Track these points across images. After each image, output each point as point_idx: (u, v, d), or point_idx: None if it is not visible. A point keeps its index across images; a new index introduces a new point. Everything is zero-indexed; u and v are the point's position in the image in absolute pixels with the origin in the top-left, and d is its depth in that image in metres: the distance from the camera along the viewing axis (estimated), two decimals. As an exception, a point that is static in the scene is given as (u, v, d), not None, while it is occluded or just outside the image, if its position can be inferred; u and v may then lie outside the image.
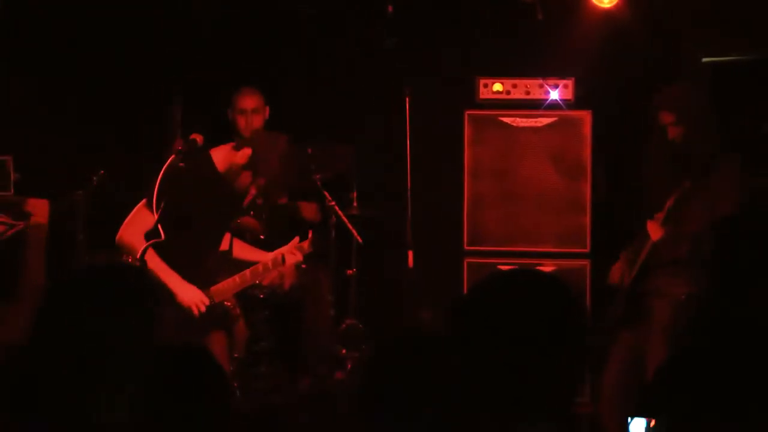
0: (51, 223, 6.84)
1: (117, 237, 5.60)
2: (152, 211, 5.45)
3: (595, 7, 7.01)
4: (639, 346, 5.73)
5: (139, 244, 5.44)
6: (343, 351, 7.12)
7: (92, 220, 6.71)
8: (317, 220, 7.11)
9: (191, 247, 5.56)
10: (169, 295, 5.43)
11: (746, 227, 3.72)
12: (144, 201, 5.53)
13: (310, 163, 6.97)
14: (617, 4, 6.97)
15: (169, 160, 6.37)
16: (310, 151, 7.02)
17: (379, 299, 7.39)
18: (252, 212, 6.83)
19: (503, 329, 2.47)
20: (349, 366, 7.04)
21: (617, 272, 6.02)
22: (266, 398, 6.63)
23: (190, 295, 5.47)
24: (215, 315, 5.60)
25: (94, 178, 6.69)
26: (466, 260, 7.25)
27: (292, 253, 5.77)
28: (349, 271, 7.23)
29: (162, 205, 6.34)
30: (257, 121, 6.94)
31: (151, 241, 6.23)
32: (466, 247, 7.27)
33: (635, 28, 7.09)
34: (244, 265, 5.74)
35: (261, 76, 7.29)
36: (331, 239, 7.12)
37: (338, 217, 6.94)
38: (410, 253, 6.81)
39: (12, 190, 6.92)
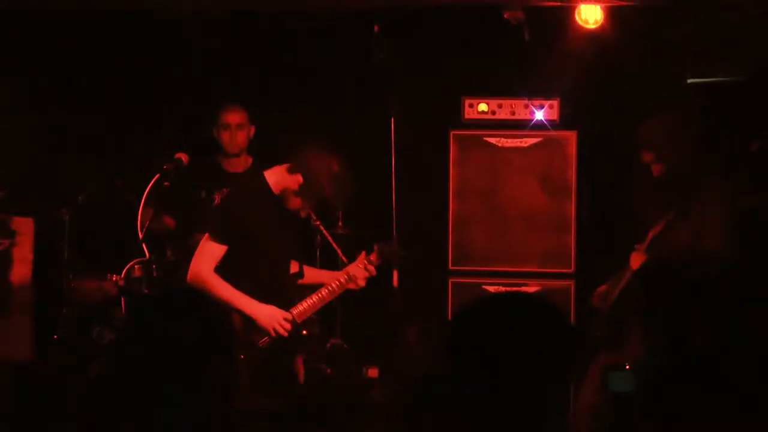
0: (36, 241, 6.82)
1: (189, 275, 5.53)
2: (219, 241, 5.45)
3: (580, 28, 7.02)
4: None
5: (210, 277, 5.43)
6: (328, 370, 7.10)
7: (78, 237, 6.70)
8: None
9: (267, 271, 5.56)
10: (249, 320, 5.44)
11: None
12: (207, 234, 5.51)
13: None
14: (602, 25, 6.98)
15: (153, 179, 6.40)
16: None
17: (364, 319, 7.38)
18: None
19: (493, 352, 2.53)
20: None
21: (599, 297, 6.05)
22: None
23: (269, 317, 5.47)
24: (298, 339, 5.61)
25: (80, 196, 6.67)
26: (451, 280, 7.26)
27: (361, 269, 5.81)
28: (334, 291, 7.21)
29: (147, 223, 6.38)
30: (241, 137, 6.93)
31: (136, 260, 6.27)
32: (450, 267, 7.29)
33: (620, 49, 7.11)
34: (313, 286, 5.77)
35: (247, 94, 7.29)
36: (316, 259, 7.12)
37: (323, 236, 6.94)
38: (395, 273, 6.81)
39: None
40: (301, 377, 5.78)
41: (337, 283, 5.76)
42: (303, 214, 5.58)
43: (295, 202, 5.51)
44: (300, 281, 5.80)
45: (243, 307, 5.42)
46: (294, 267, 5.79)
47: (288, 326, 5.49)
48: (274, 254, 5.60)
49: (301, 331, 5.60)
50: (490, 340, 2.54)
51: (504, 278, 7.12)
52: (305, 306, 5.64)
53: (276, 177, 5.54)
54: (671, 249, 5.77)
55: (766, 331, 3.43)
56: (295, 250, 5.80)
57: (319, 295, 5.69)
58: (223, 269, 5.50)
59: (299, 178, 5.46)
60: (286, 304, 5.58)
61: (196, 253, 5.52)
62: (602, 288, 6.11)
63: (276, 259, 5.63)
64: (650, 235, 5.84)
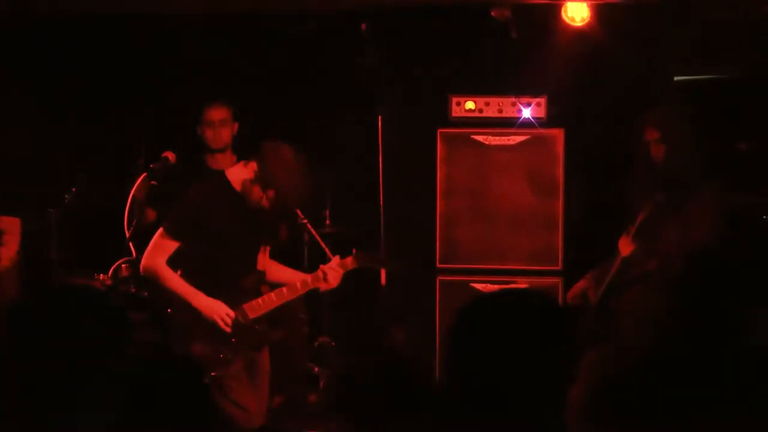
0: (23, 241, 6.81)
1: (141, 265, 5.57)
2: (172, 237, 5.47)
3: (567, 26, 7.04)
4: (605, 364, 5.73)
5: (162, 269, 5.46)
6: (316, 369, 7.11)
7: (65, 237, 6.69)
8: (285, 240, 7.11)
9: (223, 268, 5.53)
10: (197, 312, 5.44)
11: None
12: (162, 229, 5.52)
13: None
14: (589, 22, 7.00)
15: (140, 179, 6.39)
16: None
17: (352, 317, 7.39)
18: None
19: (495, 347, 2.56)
20: (322, 384, 7.03)
21: (575, 291, 6.06)
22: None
23: (213, 309, 5.44)
24: (248, 334, 5.56)
25: (67, 196, 6.66)
26: (439, 278, 7.26)
27: (334, 270, 5.69)
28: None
29: (134, 222, 6.38)
30: (225, 134, 6.92)
31: (123, 259, 6.26)
32: (438, 265, 7.29)
33: (607, 46, 7.12)
34: (280, 285, 5.70)
35: (234, 93, 7.28)
36: (303, 257, 7.12)
37: (311, 234, 6.93)
38: (383, 271, 6.81)
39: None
40: None
41: (302, 282, 5.68)
42: (266, 203, 5.44)
43: (254, 193, 5.44)
44: (268, 278, 5.75)
45: (190, 299, 5.44)
46: (262, 263, 5.73)
47: (229, 321, 5.45)
48: (237, 252, 5.58)
49: (254, 327, 5.56)
50: (489, 339, 2.54)
51: (492, 276, 7.12)
52: (260, 302, 5.58)
53: (236, 173, 5.55)
54: (659, 239, 5.79)
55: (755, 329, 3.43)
56: (264, 245, 5.73)
57: (280, 292, 5.61)
58: (185, 265, 5.52)
59: (254, 165, 5.42)
60: (244, 298, 5.56)
61: (150, 246, 5.55)
62: (578, 285, 6.12)
63: (239, 257, 5.60)
64: (639, 218, 5.85)
